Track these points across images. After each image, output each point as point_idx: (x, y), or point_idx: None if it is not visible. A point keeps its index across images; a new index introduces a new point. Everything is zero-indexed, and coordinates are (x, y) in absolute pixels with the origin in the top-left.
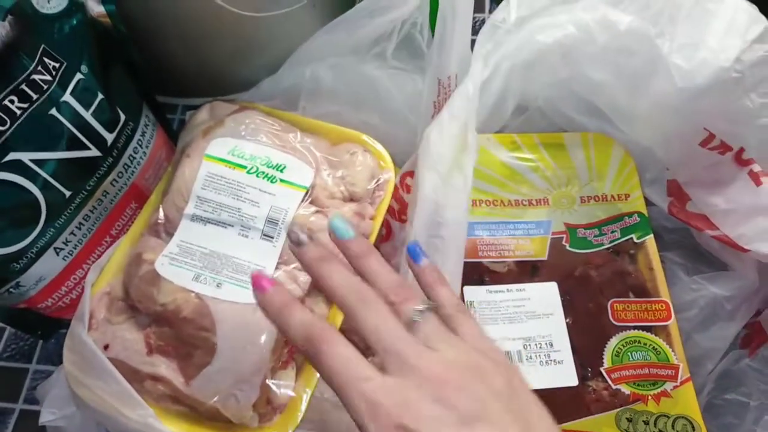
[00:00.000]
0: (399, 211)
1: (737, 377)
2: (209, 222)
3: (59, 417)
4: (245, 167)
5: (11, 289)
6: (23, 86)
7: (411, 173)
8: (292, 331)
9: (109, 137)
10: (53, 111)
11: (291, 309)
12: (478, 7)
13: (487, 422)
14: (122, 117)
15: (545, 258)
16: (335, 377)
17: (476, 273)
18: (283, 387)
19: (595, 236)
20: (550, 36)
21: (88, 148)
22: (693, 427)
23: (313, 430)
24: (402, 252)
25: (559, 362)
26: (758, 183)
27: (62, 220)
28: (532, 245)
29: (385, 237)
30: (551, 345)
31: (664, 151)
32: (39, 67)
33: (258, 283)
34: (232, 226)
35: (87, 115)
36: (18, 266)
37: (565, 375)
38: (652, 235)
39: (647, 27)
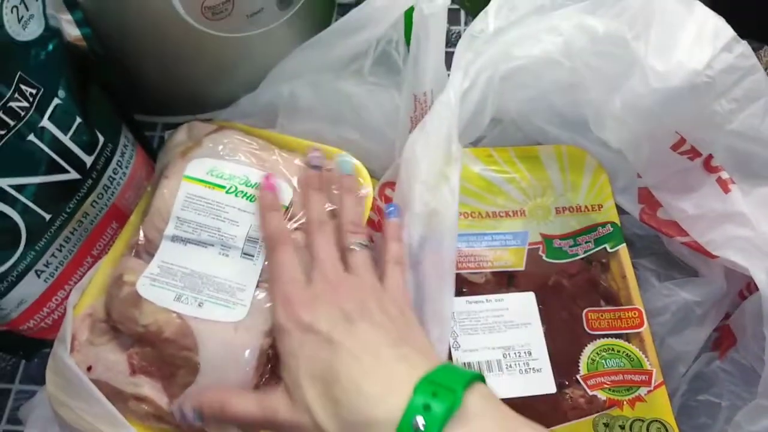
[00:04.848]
0: (378, 222)
1: (709, 379)
2: (189, 242)
3: None
4: (224, 187)
5: None
6: (0, 114)
7: (390, 184)
8: (265, 226)
9: (88, 160)
10: (31, 137)
11: (274, 212)
12: (455, 19)
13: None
14: (101, 139)
15: (522, 268)
16: (273, 273)
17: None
18: None
19: (570, 246)
20: (528, 49)
21: (68, 172)
22: (667, 429)
23: None
24: (382, 261)
25: (537, 370)
26: (726, 190)
27: (43, 243)
28: (509, 256)
29: None
30: (530, 354)
31: (635, 154)
32: (16, 94)
33: (267, 182)
34: (213, 245)
35: (66, 139)
36: None
37: (543, 383)
38: (624, 245)
39: (624, 29)
